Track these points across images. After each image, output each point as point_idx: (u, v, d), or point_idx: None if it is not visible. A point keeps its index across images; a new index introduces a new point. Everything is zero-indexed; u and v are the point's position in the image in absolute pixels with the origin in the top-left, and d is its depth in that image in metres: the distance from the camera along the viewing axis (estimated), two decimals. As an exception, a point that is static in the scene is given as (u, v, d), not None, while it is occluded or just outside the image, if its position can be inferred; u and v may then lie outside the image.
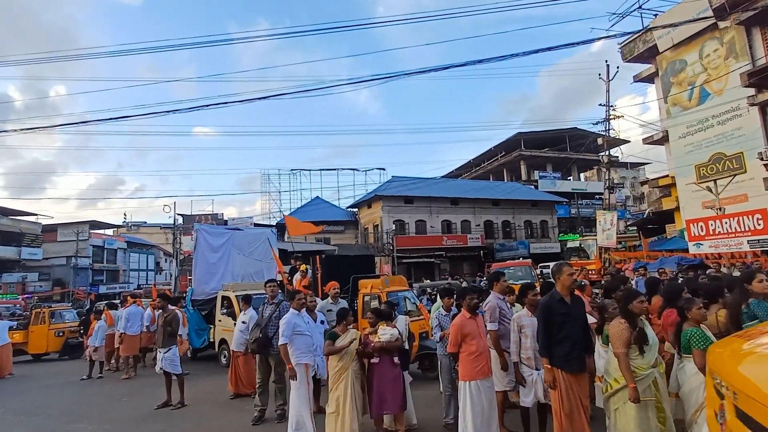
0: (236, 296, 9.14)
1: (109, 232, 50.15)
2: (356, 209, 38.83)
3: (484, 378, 4.26)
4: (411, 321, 7.47)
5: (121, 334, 9.84)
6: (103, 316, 10.82)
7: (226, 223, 36.96)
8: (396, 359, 4.78)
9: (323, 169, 42.65)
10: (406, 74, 11.23)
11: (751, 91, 18.22)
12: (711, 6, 18.71)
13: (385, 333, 4.72)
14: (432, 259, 32.99)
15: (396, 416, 4.78)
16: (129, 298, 12.14)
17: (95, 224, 44.87)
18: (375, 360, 4.70)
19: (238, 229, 13.21)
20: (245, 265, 11.70)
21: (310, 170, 42.88)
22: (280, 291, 6.27)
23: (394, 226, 32.73)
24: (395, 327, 4.95)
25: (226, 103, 10.88)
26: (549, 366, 3.73)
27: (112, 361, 10.75)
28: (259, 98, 11.82)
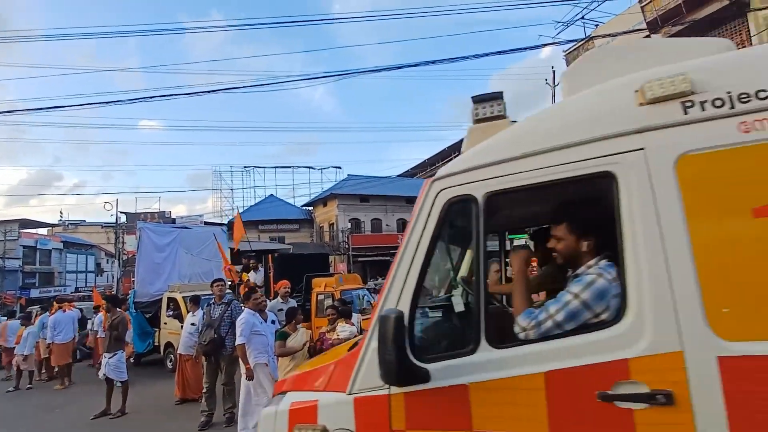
0: (183, 297, 8.79)
1: (43, 231, 46.54)
2: (311, 208, 38.44)
3: None
4: (364, 319, 7.53)
5: (49, 344, 9.15)
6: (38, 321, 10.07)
7: (173, 221, 35.35)
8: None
9: (278, 167, 41.50)
10: (361, 72, 11.29)
11: (679, 100, 19.83)
12: (645, 20, 20.17)
13: (344, 330, 4.69)
14: (388, 258, 33.23)
15: None
16: (55, 303, 10.97)
17: (26, 223, 41.49)
18: None
19: (186, 228, 12.73)
20: (193, 265, 11.30)
21: (264, 167, 41.60)
22: (228, 291, 6.12)
23: (349, 225, 32.70)
24: (354, 325, 4.99)
25: (171, 95, 10.43)
26: None
27: (43, 370, 10.00)
28: (209, 91, 11.45)
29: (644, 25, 19.68)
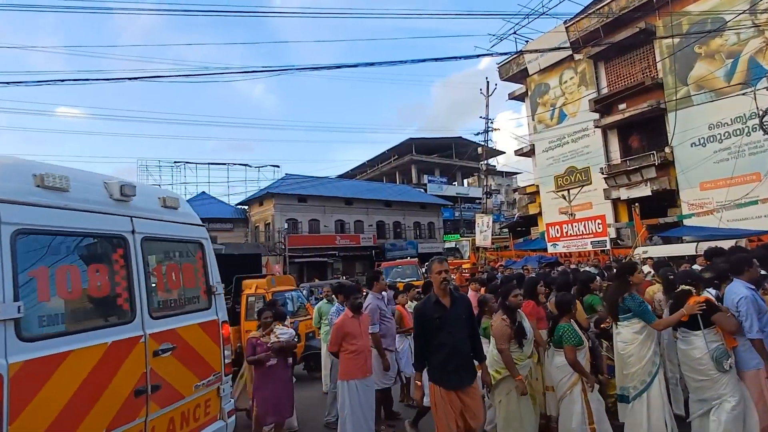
0: None
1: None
2: (247, 207, 37.04)
3: (364, 377, 4.20)
4: (299, 321, 7.41)
5: None
6: None
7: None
8: (290, 360, 4.63)
9: (211, 163, 39.97)
10: (299, 68, 11.07)
11: (596, 115, 21.68)
12: (569, 39, 21.81)
13: (284, 333, 4.53)
14: (325, 259, 32.92)
15: (278, 423, 4.57)
16: None
17: None
18: (272, 362, 4.40)
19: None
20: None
21: (196, 163, 39.40)
22: None
23: (286, 225, 31.94)
24: (290, 327, 4.85)
25: (87, 80, 9.53)
26: (419, 382, 3.34)
27: None
28: (132, 78, 10.52)
29: (568, 44, 21.25)
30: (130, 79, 9.16)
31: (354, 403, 4.11)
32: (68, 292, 2.44)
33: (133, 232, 2.86)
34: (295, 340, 4.70)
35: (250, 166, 41.21)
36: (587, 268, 10.90)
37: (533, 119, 25.38)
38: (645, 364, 3.70)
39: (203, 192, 38.55)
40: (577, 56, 22.21)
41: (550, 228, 18.45)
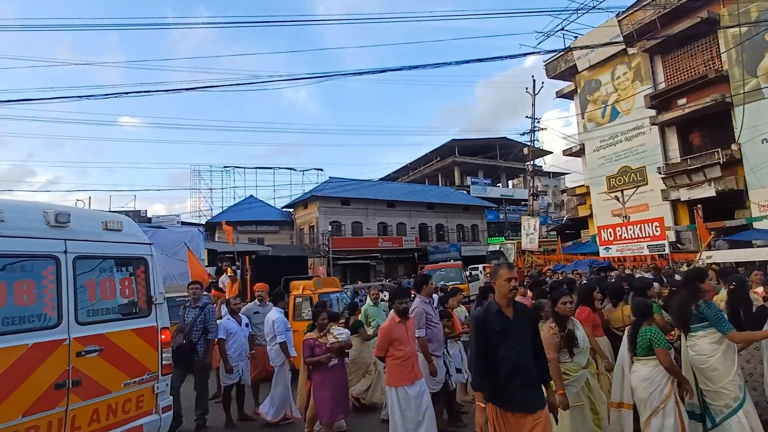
0: None
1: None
2: (292, 209, 38.06)
3: (412, 383, 4.04)
4: (339, 322, 7.50)
5: None
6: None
7: (149, 220, 34.47)
8: (346, 360, 4.61)
9: (258, 167, 40.95)
10: (344, 74, 11.29)
11: (653, 112, 20.49)
12: (622, 33, 20.79)
13: (341, 333, 4.53)
14: (368, 261, 33.20)
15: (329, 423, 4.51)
16: None
17: (-9, 220, 39.72)
18: (334, 362, 4.39)
19: (162, 228, 12.42)
20: (168, 266, 11.01)
21: (244, 168, 41.01)
22: (204, 293, 5.97)
23: (330, 227, 32.50)
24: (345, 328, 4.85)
25: (149, 91, 10.21)
26: (482, 404, 2.84)
27: None
28: (188, 89, 11.21)
29: (621, 38, 20.27)
30: (186, 89, 9.70)
31: (404, 409, 3.96)
32: None
33: (65, 252, 3.43)
34: (350, 339, 4.71)
35: (295, 170, 42.49)
36: (644, 274, 10.31)
37: (583, 117, 24.38)
38: (734, 377, 3.38)
39: (251, 195, 40.06)
40: (630, 50, 21.11)
41: (602, 231, 17.58)
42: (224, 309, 7.27)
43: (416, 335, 4.42)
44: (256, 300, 6.65)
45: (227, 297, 7.99)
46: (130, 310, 3.86)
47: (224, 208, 37.94)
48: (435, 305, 5.03)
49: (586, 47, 20.96)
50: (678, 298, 3.93)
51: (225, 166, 40.56)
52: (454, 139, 43.10)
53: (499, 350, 2.81)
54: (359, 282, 25.46)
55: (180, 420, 5.44)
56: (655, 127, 20.64)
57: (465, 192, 43.34)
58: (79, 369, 3.33)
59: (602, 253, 17.44)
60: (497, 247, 24.65)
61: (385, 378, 4.21)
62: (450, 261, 25.54)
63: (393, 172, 52.76)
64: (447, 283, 14.82)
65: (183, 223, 31.40)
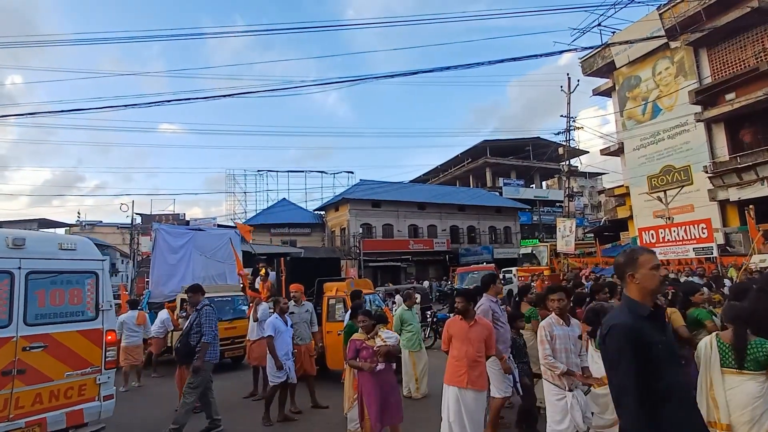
0: (181, 299, 8.92)
1: (61, 231, 47.46)
2: (323, 212, 38.56)
3: (464, 387, 3.85)
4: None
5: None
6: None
7: (187, 223, 35.78)
8: (394, 365, 4.47)
9: (290, 171, 42.11)
10: (376, 77, 11.31)
11: (698, 108, 19.49)
12: (663, 27, 19.91)
13: (390, 337, 4.37)
14: (398, 263, 33.19)
15: (393, 427, 4.36)
16: None
17: (45, 222, 42.41)
18: (380, 367, 4.22)
19: (200, 230, 12.83)
20: (207, 267, 11.38)
21: (276, 171, 41.98)
22: (203, 297, 5.91)
23: (361, 230, 32.71)
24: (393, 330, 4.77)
25: (188, 99, 10.61)
26: None
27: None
28: (224, 96, 11.59)
29: (662, 32, 19.43)
30: (223, 96, 10.02)
31: (452, 411, 3.87)
32: None
33: (19, 268, 4.25)
34: (398, 344, 4.59)
35: (326, 173, 43.08)
36: (691, 278, 9.80)
37: (621, 115, 23.50)
38: None
39: (284, 198, 40.89)
40: (673, 44, 20.19)
41: (643, 233, 16.85)
42: (261, 308, 7.47)
43: None
44: (291, 300, 6.77)
45: (262, 297, 8.18)
46: (77, 314, 4.61)
47: (258, 211, 38.90)
48: (500, 306, 4.82)
49: (625, 42, 20.19)
50: (759, 306, 3.37)
51: (258, 170, 41.68)
52: (485, 140, 42.51)
53: (666, 374, 1.88)
54: (389, 284, 25.48)
55: (217, 423, 5.50)
56: (700, 124, 19.63)
57: (497, 193, 42.63)
58: (24, 360, 4.13)
59: (644, 256, 16.74)
60: (529, 250, 23.98)
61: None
62: (482, 264, 25.18)
63: (423, 174, 52.58)
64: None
65: (219, 226, 32.43)
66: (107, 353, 4.74)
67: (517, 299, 5.79)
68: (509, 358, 4.59)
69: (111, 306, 4.91)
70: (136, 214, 34.63)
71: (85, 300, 4.70)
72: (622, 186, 24.37)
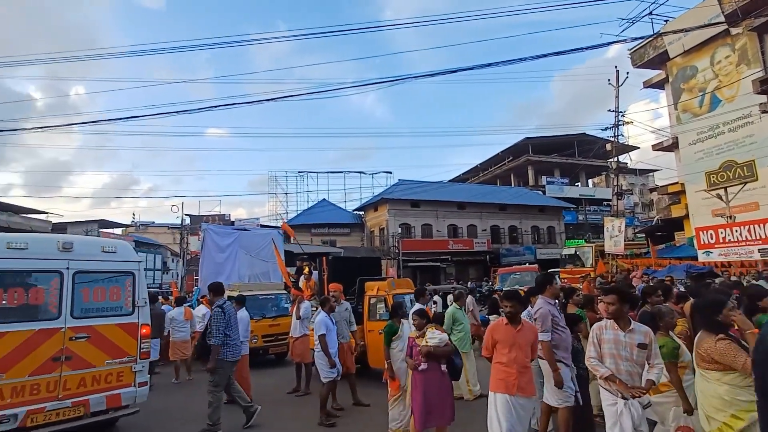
0: (229, 297, 9.20)
1: (118, 231, 50.58)
2: (362, 212, 38.88)
3: (514, 395, 3.67)
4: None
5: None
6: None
7: (232, 223, 37.13)
8: (443, 367, 4.32)
9: (330, 172, 42.70)
10: (414, 77, 11.25)
11: (763, 98, 18.01)
12: (723, 12, 18.57)
13: (433, 337, 4.31)
14: (437, 263, 32.92)
15: (440, 429, 4.30)
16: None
17: (105, 223, 45.28)
18: (423, 366, 4.22)
19: (245, 230, 13.28)
20: (252, 266, 11.75)
21: (317, 172, 42.83)
22: (219, 297, 5.97)
23: (400, 230, 32.71)
24: (444, 332, 4.66)
25: (233, 104, 10.98)
26: None
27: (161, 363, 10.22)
28: (266, 100, 11.98)
29: (722, 19, 18.13)
30: (267, 100, 10.33)
31: (499, 419, 3.67)
32: (15, 300, 4.57)
33: (67, 268, 4.88)
34: (448, 345, 4.39)
35: (365, 174, 43.45)
36: (758, 281, 9.09)
37: (676, 108, 22.13)
38: None
39: (324, 199, 41.59)
40: (734, 30, 18.78)
41: (701, 233, 15.83)
42: (303, 306, 7.62)
43: (540, 338, 4.08)
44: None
45: (305, 296, 8.34)
46: (116, 309, 5.19)
47: (299, 212, 39.79)
48: (558, 308, 4.55)
49: (680, 31, 19.00)
50: None
51: (299, 172, 42.65)
52: (527, 138, 41.36)
53: None
54: (429, 284, 25.33)
55: (250, 408, 5.64)
56: (766, 115, 18.14)
57: (540, 192, 41.36)
58: (71, 348, 4.75)
59: (701, 258, 15.70)
60: (572, 251, 22.96)
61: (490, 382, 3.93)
62: (525, 264, 24.51)
63: (463, 174, 51.87)
64: (521, 287, 14.23)
65: (262, 226, 33.44)
66: (142, 345, 5.26)
67: (563, 300, 5.54)
68: (570, 365, 4.27)
69: (146, 303, 5.42)
70: (186, 214, 36.35)
71: (124, 297, 5.26)
72: (677, 183, 22.96)
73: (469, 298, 9.02)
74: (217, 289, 5.86)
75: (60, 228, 40.58)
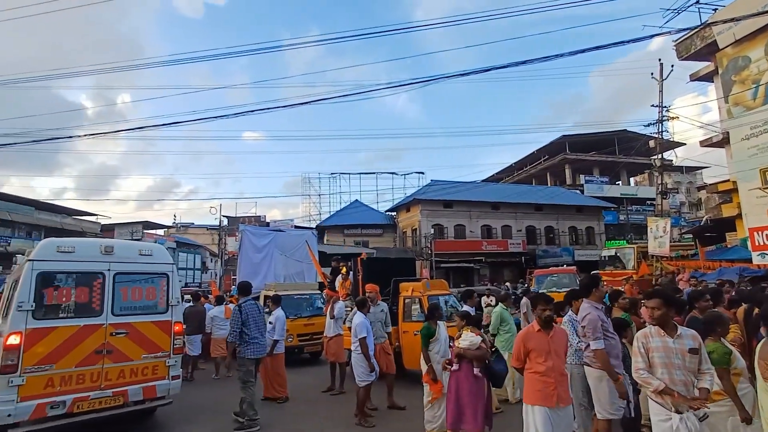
0: (265, 296, 9.48)
1: (161, 232, 52.83)
2: (395, 213, 38.88)
3: (553, 407, 3.44)
4: (450, 326, 7.37)
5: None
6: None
7: (267, 225, 38.02)
8: (477, 371, 4.18)
9: (362, 173, 43.44)
10: (447, 77, 11.14)
11: (827, 88, 16.72)
12: (779, -2, 17.37)
13: (465, 339, 4.23)
14: (471, 264, 32.45)
15: None
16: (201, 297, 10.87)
17: (148, 225, 47.50)
18: (454, 367, 4.19)
19: (281, 231, 13.56)
20: (287, 266, 11.97)
21: (349, 173, 43.48)
22: (244, 297, 6.21)
23: (432, 230, 32.48)
24: (480, 334, 4.51)
25: (269, 108, 11.25)
26: None
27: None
28: (301, 104, 12.19)
29: (778, 4, 16.96)
30: (302, 104, 10.49)
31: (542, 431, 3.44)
32: (63, 299, 5.04)
33: (108, 270, 5.33)
34: (482, 348, 4.26)
35: (397, 174, 43.53)
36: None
37: (727, 101, 20.88)
38: None
39: (356, 200, 41.92)
40: None
41: (755, 234, 14.85)
42: (337, 306, 7.70)
43: (593, 347, 3.85)
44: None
45: (339, 296, 8.40)
46: (152, 308, 5.59)
47: (332, 213, 40.27)
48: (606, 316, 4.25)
49: (731, 20, 17.91)
50: None
51: (332, 173, 43.24)
52: (564, 135, 40.15)
53: None
54: (462, 286, 25.00)
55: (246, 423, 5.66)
56: (829, 107, 16.84)
57: (578, 191, 40.02)
58: (111, 343, 5.18)
59: (756, 260, 14.73)
60: (613, 252, 21.88)
61: (524, 392, 3.68)
62: (562, 266, 23.78)
63: (497, 173, 50.96)
64: (558, 290, 13.80)
65: (296, 227, 34.08)
66: (175, 341, 5.65)
67: (608, 304, 5.27)
68: (624, 374, 3.96)
69: (179, 302, 5.82)
70: (223, 216, 37.57)
71: (158, 296, 5.68)
72: (728, 181, 21.65)
73: (524, 300, 8.75)
74: (242, 288, 6.31)
75: (108, 229, 42.85)
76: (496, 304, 7.11)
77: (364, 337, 5.68)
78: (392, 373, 6.45)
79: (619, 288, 9.00)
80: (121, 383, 5.15)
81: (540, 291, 13.94)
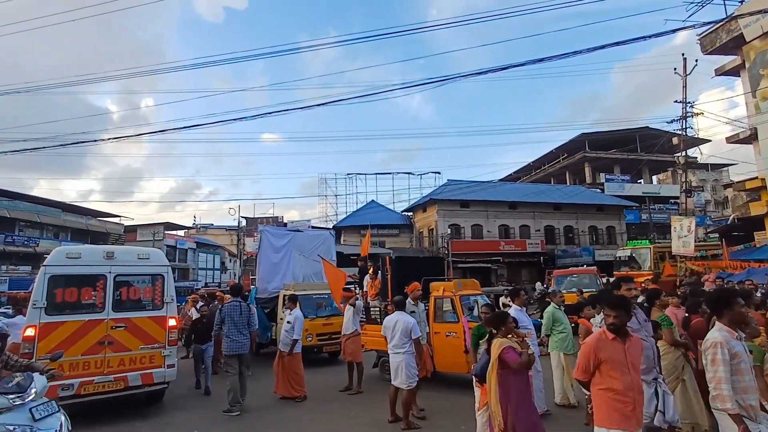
0: (283, 296, 9.58)
1: (181, 233, 53.86)
2: (411, 213, 38.81)
3: (633, 430, 2.87)
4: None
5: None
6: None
7: (285, 225, 38.38)
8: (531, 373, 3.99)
9: (378, 173, 43.38)
10: (462, 76, 11.06)
11: None
12: (810, -12, 16.74)
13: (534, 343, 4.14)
14: (489, 265, 32.16)
15: None
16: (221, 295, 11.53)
17: (169, 226, 48.47)
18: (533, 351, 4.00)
19: (299, 231, 13.63)
20: (306, 266, 12.02)
21: (365, 174, 43.57)
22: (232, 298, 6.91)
23: (449, 231, 32.30)
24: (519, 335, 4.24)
25: (286, 110, 11.39)
26: None
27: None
28: (317, 105, 12.29)
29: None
30: (318, 105, 10.58)
31: None
32: (70, 297, 5.88)
33: (110, 272, 6.13)
34: (530, 353, 3.95)
35: (413, 174, 43.40)
36: None
37: (754, 96, 20.24)
38: None
39: (372, 200, 41.98)
40: None
41: (786, 233, 14.32)
42: (358, 303, 7.72)
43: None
44: (409, 299, 6.81)
45: (370, 295, 8.41)
46: (148, 304, 6.35)
47: (348, 213, 40.42)
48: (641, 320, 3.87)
49: (758, 12, 17.35)
50: None
51: (348, 174, 43.41)
52: (583, 133, 39.49)
53: None
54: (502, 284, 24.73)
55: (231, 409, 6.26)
56: None
57: (598, 190, 39.29)
58: (112, 335, 5.94)
59: (787, 260, 14.17)
60: (628, 252, 21.19)
61: (595, 415, 3.08)
62: (582, 266, 23.37)
63: (514, 173, 50.40)
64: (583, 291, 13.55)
65: (313, 227, 34.32)
66: (170, 334, 6.37)
67: (646, 305, 5.05)
68: (659, 380, 3.71)
69: (173, 299, 6.51)
70: (242, 217, 38.13)
71: (155, 295, 6.41)
72: (757, 178, 20.97)
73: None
74: (232, 289, 7.24)
75: (130, 230, 43.90)
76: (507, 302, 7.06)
77: (419, 337, 5.58)
78: (428, 375, 6.37)
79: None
80: (121, 370, 5.91)
81: (561, 290, 13.67)
